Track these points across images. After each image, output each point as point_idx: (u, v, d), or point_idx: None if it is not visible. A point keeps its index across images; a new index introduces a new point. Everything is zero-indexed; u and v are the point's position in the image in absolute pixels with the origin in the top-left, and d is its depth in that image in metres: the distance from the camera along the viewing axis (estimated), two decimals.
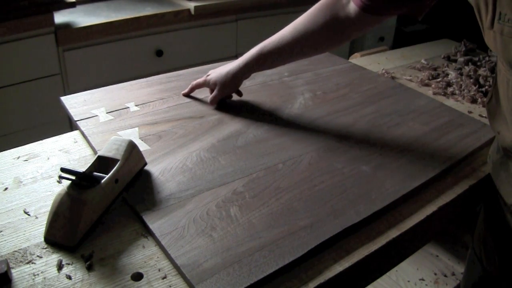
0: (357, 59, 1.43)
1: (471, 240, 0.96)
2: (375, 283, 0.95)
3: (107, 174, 0.66)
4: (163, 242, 0.62)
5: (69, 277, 0.57)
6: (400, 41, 2.78)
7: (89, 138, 0.84)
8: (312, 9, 0.88)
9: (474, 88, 1.19)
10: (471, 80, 1.23)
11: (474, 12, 0.72)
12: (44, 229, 0.63)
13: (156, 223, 0.65)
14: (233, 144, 0.86)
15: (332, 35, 0.87)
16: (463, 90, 1.20)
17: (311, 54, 0.95)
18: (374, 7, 0.79)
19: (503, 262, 0.86)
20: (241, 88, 1.02)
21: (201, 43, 1.90)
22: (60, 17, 1.57)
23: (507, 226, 0.82)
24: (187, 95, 1.03)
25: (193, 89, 1.02)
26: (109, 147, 0.71)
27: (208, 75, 0.99)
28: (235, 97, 1.04)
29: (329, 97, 1.07)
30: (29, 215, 0.67)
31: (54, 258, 0.60)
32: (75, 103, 0.96)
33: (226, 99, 1.01)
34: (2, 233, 0.63)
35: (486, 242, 0.90)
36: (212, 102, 0.98)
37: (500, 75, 0.74)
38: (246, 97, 1.04)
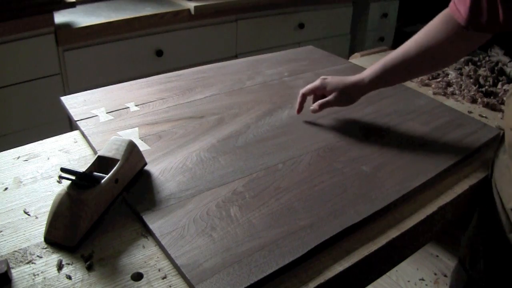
0: (357, 59, 1.43)
1: (460, 246, 0.95)
2: (375, 283, 0.95)
3: (107, 174, 0.66)
4: (163, 242, 0.62)
5: (69, 277, 0.57)
6: (400, 41, 2.77)
7: (89, 138, 0.84)
8: (433, 22, 0.83)
9: (474, 88, 1.19)
10: (471, 80, 1.23)
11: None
12: (44, 229, 0.63)
13: (156, 223, 0.65)
14: (233, 144, 0.86)
15: (454, 47, 0.82)
16: (463, 90, 1.20)
17: (440, 67, 0.91)
18: (486, 28, 0.75)
19: (489, 268, 0.85)
20: (242, 88, 1.02)
21: (201, 43, 1.90)
22: (60, 17, 1.57)
23: (500, 230, 0.80)
24: (304, 98, 0.94)
25: (310, 93, 0.93)
26: (109, 147, 0.71)
27: (325, 78, 0.92)
28: (234, 97, 1.04)
29: None
30: (29, 215, 0.67)
31: (54, 258, 0.60)
32: (75, 103, 0.96)
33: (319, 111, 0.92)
34: (2, 233, 0.63)
35: (473, 248, 0.89)
36: (320, 107, 0.90)
37: None
38: (246, 97, 1.04)
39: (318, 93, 0.93)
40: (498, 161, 0.83)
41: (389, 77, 0.87)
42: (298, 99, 0.95)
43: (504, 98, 1.14)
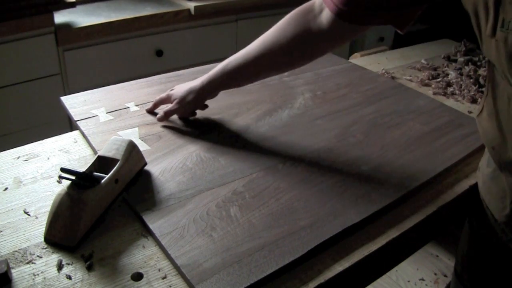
0: (357, 59, 1.43)
1: (455, 260, 0.92)
2: (375, 283, 0.95)
3: (107, 174, 0.66)
4: (163, 242, 0.62)
5: (69, 277, 0.57)
6: (400, 41, 2.77)
7: (89, 138, 0.84)
8: (282, 20, 0.79)
9: (474, 88, 1.19)
10: (471, 80, 1.23)
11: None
12: (44, 229, 0.63)
13: (156, 223, 0.65)
14: (233, 144, 0.86)
15: (302, 47, 0.78)
16: (463, 90, 1.20)
17: (279, 71, 0.87)
18: (351, 13, 0.69)
19: (491, 281, 0.84)
20: (242, 88, 1.02)
21: (201, 43, 1.90)
22: (60, 17, 1.57)
23: (496, 243, 0.78)
24: (150, 111, 0.94)
25: (156, 105, 0.94)
26: (109, 147, 0.71)
27: (172, 90, 0.93)
28: (234, 97, 1.04)
29: (329, 97, 1.07)
30: (29, 215, 0.67)
31: (54, 258, 0.60)
32: (75, 103, 0.96)
33: (189, 116, 0.94)
34: (2, 233, 0.63)
35: (469, 261, 0.86)
36: (164, 116, 0.90)
37: (499, 89, 0.65)
38: (246, 97, 1.04)
39: (167, 103, 0.93)
40: (482, 174, 0.80)
41: (228, 79, 0.84)
42: (151, 106, 0.95)
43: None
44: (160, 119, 0.91)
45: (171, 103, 0.91)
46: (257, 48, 0.80)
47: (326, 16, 0.73)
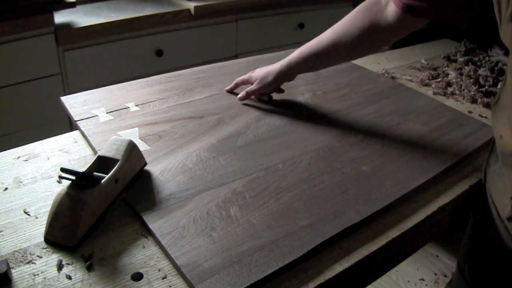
0: (357, 59, 1.43)
1: (458, 254, 0.93)
2: (375, 283, 0.95)
3: (107, 174, 0.66)
4: (163, 242, 0.62)
5: (69, 277, 0.57)
6: (400, 41, 2.77)
7: (89, 138, 0.84)
8: (352, 12, 0.86)
9: (474, 88, 1.19)
10: (471, 80, 1.23)
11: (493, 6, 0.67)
12: (44, 229, 0.63)
13: (156, 223, 0.65)
14: (233, 144, 0.86)
15: (369, 39, 0.84)
16: (463, 90, 1.20)
17: (348, 59, 0.96)
18: (417, 7, 0.75)
19: (490, 278, 0.84)
20: (242, 87, 1.02)
21: (201, 43, 1.90)
22: (60, 17, 1.57)
23: (499, 239, 0.78)
24: (230, 91, 1.04)
25: (237, 85, 1.04)
26: (109, 147, 0.71)
27: (252, 72, 1.02)
28: (234, 97, 1.04)
29: (329, 97, 1.07)
30: (29, 215, 0.67)
31: (54, 258, 0.60)
32: (75, 103, 0.96)
33: (266, 98, 1.02)
34: (2, 233, 0.63)
35: (472, 258, 0.87)
36: (246, 95, 0.99)
37: None
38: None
39: (247, 84, 1.02)
40: (490, 170, 0.81)
41: (304, 63, 0.92)
42: (231, 85, 1.05)
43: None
44: (241, 98, 1.00)
45: (251, 84, 1.00)
46: (329, 38, 0.87)
47: (391, 10, 0.79)
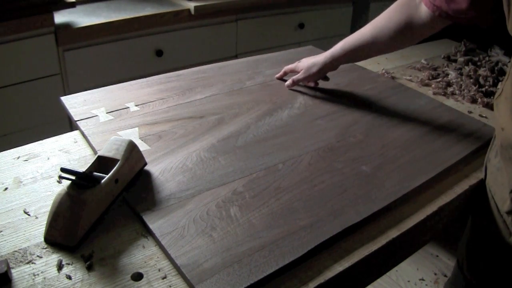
0: None
1: (457, 250, 0.95)
2: (375, 283, 0.95)
3: (107, 174, 0.66)
4: (163, 242, 0.62)
5: (69, 277, 0.57)
6: None
7: (89, 138, 0.84)
8: (391, 7, 0.92)
9: (474, 88, 1.19)
10: (471, 80, 1.23)
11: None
12: (44, 229, 0.63)
13: (156, 223, 0.65)
14: (233, 144, 0.86)
15: (404, 34, 0.90)
16: (463, 90, 1.20)
17: (386, 51, 1.01)
18: (446, 11, 0.80)
19: (489, 274, 0.85)
20: (242, 88, 1.02)
21: (201, 43, 1.90)
22: (60, 17, 1.57)
23: (498, 234, 0.79)
24: (280, 78, 1.14)
25: (286, 73, 1.13)
26: (109, 147, 0.71)
27: (299, 62, 1.09)
28: (234, 97, 1.04)
29: (329, 97, 1.07)
30: (29, 215, 0.67)
31: (54, 258, 0.60)
32: (75, 103, 0.96)
33: (313, 84, 1.11)
34: (2, 233, 0.63)
35: (471, 253, 0.88)
36: (292, 82, 1.08)
37: None
38: (246, 97, 1.04)
39: (295, 72, 1.11)
40: (490, 164, 0.83)
41: (347, 55, 1.00)
42: (280, 73, 1.14)
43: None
44: (289, 85, 1.09)
45: (298, 73, 1.09)
46: (368, 32, 0.95)
47: (425, 10, 0.85)
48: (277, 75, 1.14)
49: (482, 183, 0.84)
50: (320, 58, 1.03)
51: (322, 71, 1.05)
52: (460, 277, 0.91)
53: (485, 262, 0.86)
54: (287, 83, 1.09)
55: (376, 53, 1.01)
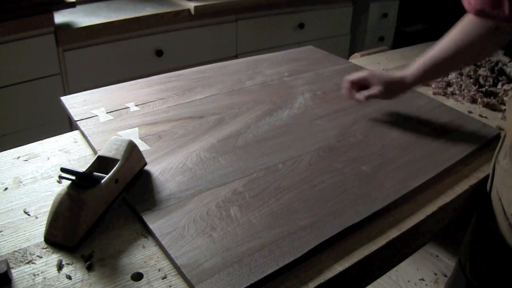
0: (357, 59, 1.43)
1: (459, 251, 0.95)
2: (375, 283, 0.95)
3: (107, 174, 0.66)
4: (163, 242, 0.62)
5: (69, 277, 0.57)
6: (400, 41, 2.78)
7: (89, 138, 0.84)
8: (465, 21, 0.86)
9: (474, 88, 1.19)
10: (471, 80, 1.23)
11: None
12: (44, 229, 0.63)
13: (156, 223, 0.65)
14: (233, 144, 0.86)
15: (484, 49, 0.87)
16: (463, 90, 1.20)
17: (466, 65, 1.01)
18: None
19: (491, 275, 0.85)
20: (242, 88, 1.02)
21: (201, 43, 1.90)
22: (60, 17, 1.57)
23: (501, 237, 0.79)
24: (350, 95, 0.98)
25: (353, 84, 0.98)
26: (109, 147, 0.71)
27: (372, 71, 0.97)
28: (234, 97, 1.04)
29: (329, 97, 1.07)
30: (29, 215, 0.67)
31: (54, 258, 0.60)
32: (75, 103, 0.96)
33: (365, 101, 0.97)
34: (2, 233, 0.63)
35: (473, 254, 0.88)
36: (366, 98, 0.95)
37: None
38: (246, 97, 1.04)
39: (363, 83, 0.97)
40: (498, 166, 0.82)
41: (428, 75, 0.92)
42: (346, 85, 0.98)
43: (505, 98, 1.14)
44: (360, 101, 0.96)
45: (369, 85, 0.96)
46: (447, 48, 0.87)
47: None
48: (346, 92, 0.98)
49: (484, 184, 0.84)
50: (397, 77, 0.93)
51: (400, 92, 0.95)
52: (460, 277, 0.91)
53: (488, 264, 0.86)
54: (357, 97, 0.96)
55: (457, 68, 1.02)
